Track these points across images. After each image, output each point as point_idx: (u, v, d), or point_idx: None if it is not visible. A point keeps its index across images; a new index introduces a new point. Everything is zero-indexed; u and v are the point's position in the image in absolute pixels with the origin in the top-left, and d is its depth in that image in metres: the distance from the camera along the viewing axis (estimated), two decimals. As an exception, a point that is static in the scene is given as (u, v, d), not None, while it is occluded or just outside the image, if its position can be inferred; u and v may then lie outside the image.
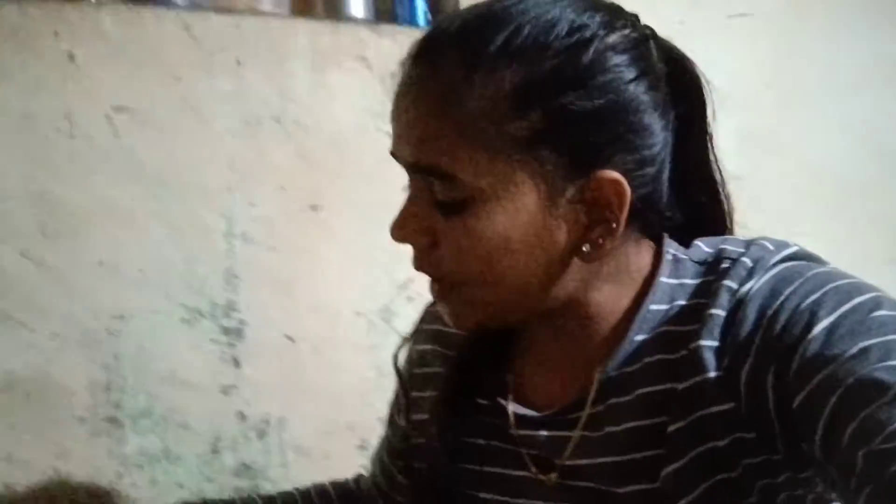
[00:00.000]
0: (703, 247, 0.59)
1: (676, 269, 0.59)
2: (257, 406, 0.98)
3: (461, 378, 0.65)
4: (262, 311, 0.98)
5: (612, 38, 0.53)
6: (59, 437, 0.89)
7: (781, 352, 0.49)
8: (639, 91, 0.54)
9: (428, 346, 0.70)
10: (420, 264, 0.56)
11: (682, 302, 0.57)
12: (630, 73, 0.53)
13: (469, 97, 0.51)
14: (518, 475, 0.61)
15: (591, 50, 0.52)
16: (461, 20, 0.53)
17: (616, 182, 0.53)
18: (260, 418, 0.98)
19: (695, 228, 0.61)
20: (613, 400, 0.57)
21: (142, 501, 0.92)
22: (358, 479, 0.84)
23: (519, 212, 0.53)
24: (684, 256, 0.59)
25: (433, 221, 0.54)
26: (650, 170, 0.55)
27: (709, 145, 0.61)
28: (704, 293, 0.55)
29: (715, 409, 0.52)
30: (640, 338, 0.57)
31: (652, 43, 0.56)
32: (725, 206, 0.63)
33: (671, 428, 0.53)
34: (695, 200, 0.61)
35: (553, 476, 0.59)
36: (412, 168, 0.54)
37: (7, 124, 0.88)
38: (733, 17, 1.29)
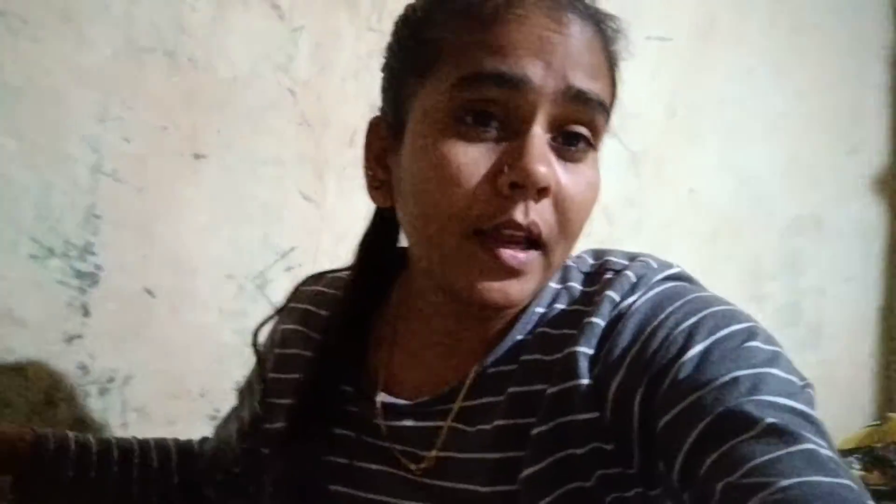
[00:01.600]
0: (588, 258, 0.61)
1: (562, 274, 0.59)
2: (102, 359, 0.89)
3: (327, 363, 0.62)
4: (122, 258, 0.90)
5: None
6: None
7: (653, 371, 0.49)
8: None
9: (295, 327, 0.67)
10: (532, 213, 0.51)
11: (563, 306, 0.57)
12: None
13: (616, 54, 0.55)
14: (382, 469, 0.59)
15: None
16: None
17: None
18: (103, 373, 0.90)
19: None
20: (487, 398, 0.56)
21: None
22: (202, 441, 0.80)
23: (596, 167, 0.55)
24: (572, 264, 0.60)
25: (555, 167, 0.51)
26: None
27: None
28: (586, 301, 0.56)
29: (580, 416, 0.52)
30: (519, 337, 0.57)
31: None
32: None
33: (535, 431, 0.52)
34: None
35: (420, 467, 0.57)
36: (574, 95, 0.50)
37: None
38: (651, 39, 1.32)
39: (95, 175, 0.88)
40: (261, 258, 0.98)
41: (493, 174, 0.50)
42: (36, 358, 0.86)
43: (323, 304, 0.68)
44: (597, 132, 0.53)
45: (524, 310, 0.57)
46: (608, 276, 0.56)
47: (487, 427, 0.55)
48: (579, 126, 0.52)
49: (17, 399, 0.85)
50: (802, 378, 0.49)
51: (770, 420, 0.42)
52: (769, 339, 0.50)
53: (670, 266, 0.58)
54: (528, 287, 0.53)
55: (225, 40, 0.95)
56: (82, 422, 0.89)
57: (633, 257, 0.58)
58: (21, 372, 0.85)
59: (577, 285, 0.58)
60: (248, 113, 0.96)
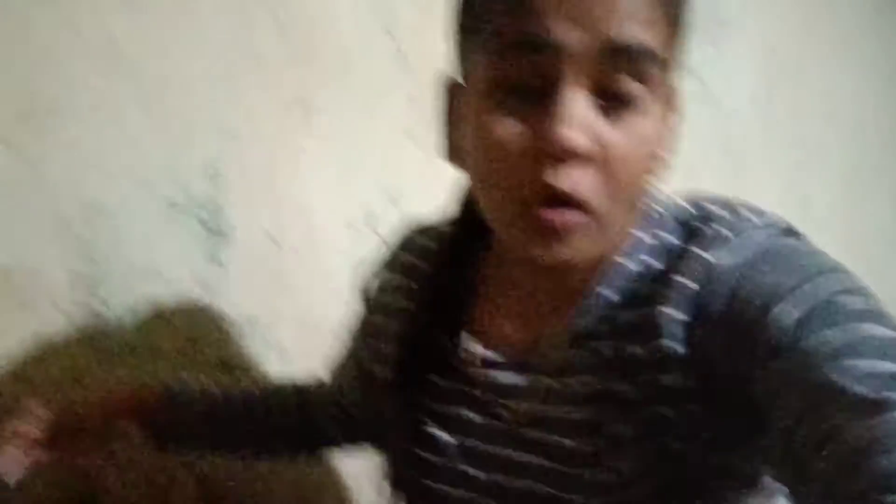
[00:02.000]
0: (684, 202, 0.58)
1: (651, 223, 0.57)
2: (238, 306, 0.97)
3: (426, 317, 0.64)
4: (247, 212, 0.96)
5: None
6: (42, 329, 0.88)
7: (746, 334, 0.48)
8: None
9: (399, 278, 0.69)
10: (569, 181, 0.49)
11: (654, 262, 0.55)
12: None
13: (678, 2, 0.52)
14: (477, 418, 0.61)
15: None
16: None
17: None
18: (240, 318, 0.97)
19: None
20: (574, 352, 0.56)
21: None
22: (321, 383, 0.85)
23: (660, 116, 0.53)
24: (663, 210, 0.57)
25: (599, 128, 0.49)
26: None
27: None
28: (676, 257, 0.53)
29: (669, 377, 0.51)
30: (606, 292, 0.56)
31: None
32: None
33: (621, 389, 0.53)
34: None
35: (512, 419, 0.58)
36: (615, 49, 0.48)
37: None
38: None
39: (216, 135, 0.93)
40: (374, 202, 1.01)
41: (532, 144, 0.49)
42: (179, 307, 0.94)
43: (426, 258, 0.69)
44: (651, 82, 0.50)
45: (609, 262, 0.56)
46: (701, 231, 0.54)
47: (575, 383, 0.56)
48: (626, 81, 0.49)
49: (165, 345, 0.94)
50: None
51: (859, 390, 0.40)
52: (862, 291, 0.47)
53: (772, 217, 0.55)
54: (581, 249, 0.52)
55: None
56: (225, 363, 0.97)
57: (732, 207, 0.55)
58: (168, 321, 0.94)
59: (668, 236, 0.56)
60: (351, 60, 0.97)
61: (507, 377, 0.60)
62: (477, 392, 0.61)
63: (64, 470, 0.89)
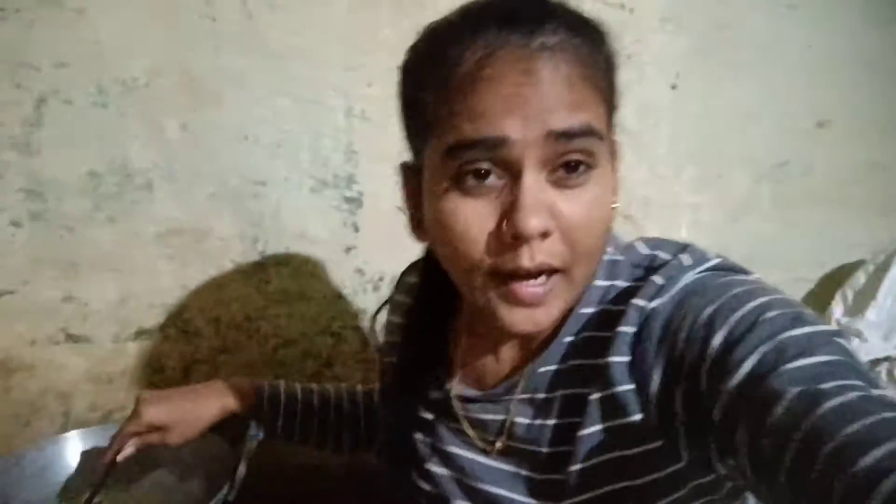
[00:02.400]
0: (642, 248, 0.60)
1: (610, 270, 0.60)
2: (373, 264, 1.13)
3: (409, 354, 0.70)
4: (378, 184, 1.10)
5: None
6: (220, 275, 1.12)
7: (686, 367, 0.51)
8: None
9: (392, 318, 0.77)
10: (540, 254, 0.53)
11: (608, 307, 0.58)
12: None
13: (600, 69, 0.54)
14: (463, 452, 0.66)
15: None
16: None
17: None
18: (375, 274, 1.14)
19: None
20: (539, 394, 0.61)
21: (282, 327, 1.15)
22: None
23: (609, 177, 0.56)
24: (620, 257, 0.60)
25: (552, 202, 0.52)
26: None
27: None
28: (623, 302, 0.57)
29: (626, 420, 0.54)
30: (567, 339, 0.60)
31: None
32: None
33: (581, 432, 0.56)
34: None
35: (492, 451, 0.64)
36: (554, 134, 0.51)
37: (156, 9, 1.03)
38: None
39: (349, 118, 1.07)
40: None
41: (498, 226, 0.53)
42: (326, 265, 1.13)
43: (411, 295, 0.75)
44: (592, 154, 0.53)
45: (570, 310, 0.59)
46: (643, 279, 0.57)
47: (541, 423, 0.60)
48: (572, 156, 0.52)
49: (316, 294, 1.14)
50: (831, 329, 0.47)
51: (794, 390, 0.43)
52: (788, 304, 0.49)
53: (706, 259, 0.57)
54: (555, 309, 0.55)
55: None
56: (364, 311, 1.15)
57: (677, 251, 0.58)
58: (316, 275, 1.13)
59: (622, 283, 0.59)
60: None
61: (484, 413, 0.64)
62: (461, 427, 0.66)
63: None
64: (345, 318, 1.15)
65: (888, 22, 1.16)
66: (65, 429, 1.15)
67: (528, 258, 0.52)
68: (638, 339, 0.54)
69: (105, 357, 1.14)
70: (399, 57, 0.59)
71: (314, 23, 1.05)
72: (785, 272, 1.16)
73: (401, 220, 1.10)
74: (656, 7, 1.07)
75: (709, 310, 0.51)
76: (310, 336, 1.15)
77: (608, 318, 0.57)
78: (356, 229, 1.12)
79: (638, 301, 0.55)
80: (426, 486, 0.69)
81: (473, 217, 0.53)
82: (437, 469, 0.68)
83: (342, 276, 1.14)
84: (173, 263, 1.11)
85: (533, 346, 0.62)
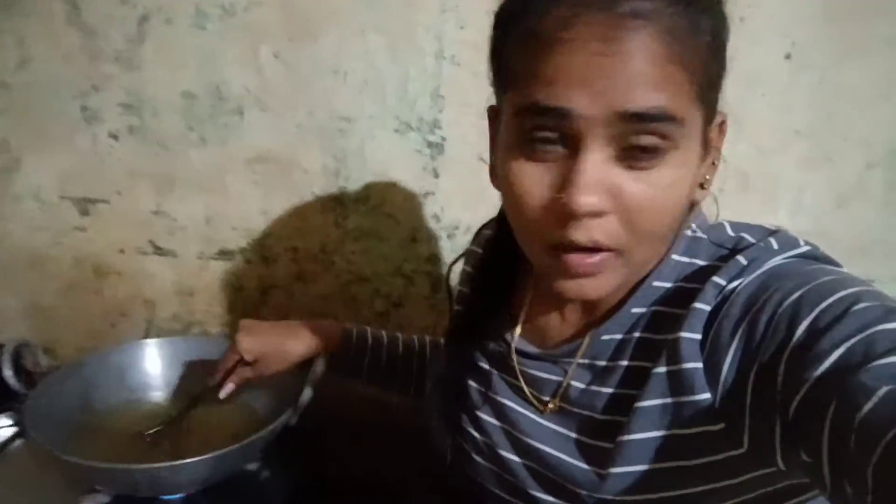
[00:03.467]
0: (728, 229, 0.58)
1: (690, 247, 0.58)
2: (450, 211, 1.12)
3: (474, 304, 0.71)
4: (462, 131, 1.08)
5: None
6: (301, 205, 1.14)
7: (765, 353, 0.49)
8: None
9: (466, 268, 0.78)
10: (595, 236, 0.52)
11: (683, 284, 0.57)
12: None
13: (693, 45, 0.50)
14: (514, 405, 0.66)
15: None
16: None
17: (725, 121, 0.56)
18: (450, 222, 1.13)
19: None
20: (600, 361, 0.60)
21: (356, 263, 1.17)
22: None
23: (691, 160, 0.53)
24: (703, 235, 0.58)
25: (615, 180, 0.51)
26: None
27: None
28: (700, 280, 0.55)
29: (689, 398, 0.53)
30: (636, 310, 0.59)
31: None
32: None
33: (638, 404, 0.55)
34: None
35: (543, 411, 0.64)
36: (622, 116, 0.49)
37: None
38: None
39: (439, 61, 1.05)
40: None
41: (556, 196, 0.51)
42: (403, 207, 1.13)
43: (483, 248, 0.75)
44: (671, 136, 0.50)
45: (642, 281, 0.58)
46: (725, 259, 0.54)
47: (598, 389, 0.59)
48: (644, 138, 0.49)
49: (391, 236, 1.14)
50: None
51: (885, 388, 0.40)
52: (878, 297, 0.46)
53: (797, 244, 0.54)
54: (607, 283, 0.54)
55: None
56: (436, 257, 1.15)
57: (765, 235, 0.55)
58: (393, 217, 1.13)
59: (699, 261, 0.57)
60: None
61: (540, 371, 0.64)
62: (516, 381, 0.66)
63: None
64: (417, 262, 1.15)
65: None
66: (147, 334, 1.23)
67: (580, 234, 0.51)
68: (713, 318, 0.53)
69: (189, 271, 1.19)
70: (495, 1, 0.57)
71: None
72: (892, 265, 1.08)
73: (482, 171, 1.08)
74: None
75: (795, 295, 0.48)
76: (382, 275, 1.16)
77: (683, 294, 0.56)
78: (436, 175, 1.10)
79: (718, 279, 0.54)
80: (474, 433, 0.70)
81: (533, 183, 0.53)
82: (487, 418, 0.68)
83: (418, 220, 1.13)
84: (258, 189, 1.13)
85: (599, 312, 0.61)
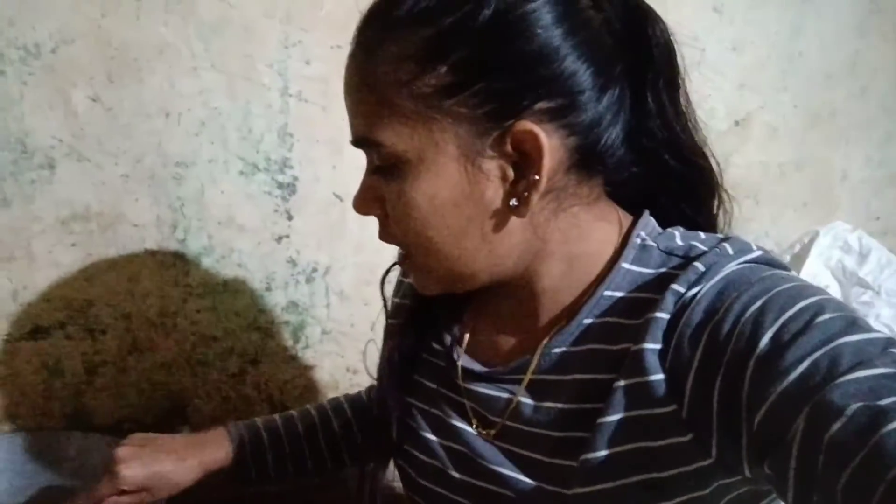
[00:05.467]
0: (677, 238, 0.58)
1: (640, 256, 0.58)
2: (306, 254, 1.06)
3: (417, 320, 0.69)
4: (314, 169, 1.03)
5: None
6: (132, 265, 1.00)
7: (728, 362, 0.48)
8: (554, 36, 0.52)
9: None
10: (381, 234, 0.60)
11: (636, 294, 0.56)
12: (544, 19, 0.51)
13: (381, 65, 0.53)
14: (459, 425, 0.63)
15: (500, 2, 0.51)
16: None
17: (531, 133, 0.52)
18: (308, 265, 1.06)
19: (673, 196, 0.61)
20: (553, 376, 0.58)
21: (203, 323, 1.05)
22: (369, 389, 0.89)
23: (442, 171, 0.53)
24: (652, 244, 0.58)
25: (383, 192, 0.57)
26: (579, 118, 0.53)
27: (678, 104, 0.59)
28: (653, 289, 0.55)
29: (654, 410, 0.52)
30: (587, 321, 0.57)
31: None
32: (702, 172, 0.60)
33: (602, 419, 0.53)
34: (668, 165, 0.59)
35: (492, 432, 0.61)
36: (355, 141, 0.57)
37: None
38: None
39: (284, 97, 0.99)
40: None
41: None
42: (255, 254, 1.04)
43: None
44: (387, 158, 0.54)
45: (592, 292, 0.57)
46: (680, 266, 0.54)
47: (552, 405, 0.57)
48: (380, 158, 0.56)
49: (242, 287, 1.05)
50: (884, 336, 0.46)
51: (854, 405, 0.41)
52: (839, 307, 0.47)
53: (750, 249, 0.55)
54: (420, 280, 0.62)
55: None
56: (294, 304, 1.07)
57: (718, 241, 0.56)
58: (243, 266, 1.04)
59: (649, 270, 0.57)
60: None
61: (486, 390, 0.62)
62: (462, 400, 0.64)
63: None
64: (274, 313, 1.07)
65: None
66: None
67: (379, 233, 0.60)
68: (673, 327, 0.52)
69: (-8, 358, 0.99)
70: (341, 36, 0.60)
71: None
72: None
73: (337, 208, 1.06)
74: None
75: (756, 304, 0.48)
76: (234, 332, 1.06)
77: (636, 303, 0.55)
78: (289, 217, 1.03)
79: (677, 287, 0.53)
80: (421, 456, 0.65)
81: None
82: (436, 439, 0.65)
83: (272, 266, 1.05)
84: (77, 252, 0.98)
85: (545, 325, 0.60)
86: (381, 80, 0.52)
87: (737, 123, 1.29)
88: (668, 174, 0.59)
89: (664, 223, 0.61)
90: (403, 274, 0.76)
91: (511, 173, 0.54)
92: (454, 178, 0.53)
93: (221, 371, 1.08)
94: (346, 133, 0.57)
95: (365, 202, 0.58)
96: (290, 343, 1.09)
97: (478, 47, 0.51)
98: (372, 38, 0.54)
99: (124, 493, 0.73)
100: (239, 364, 1.08)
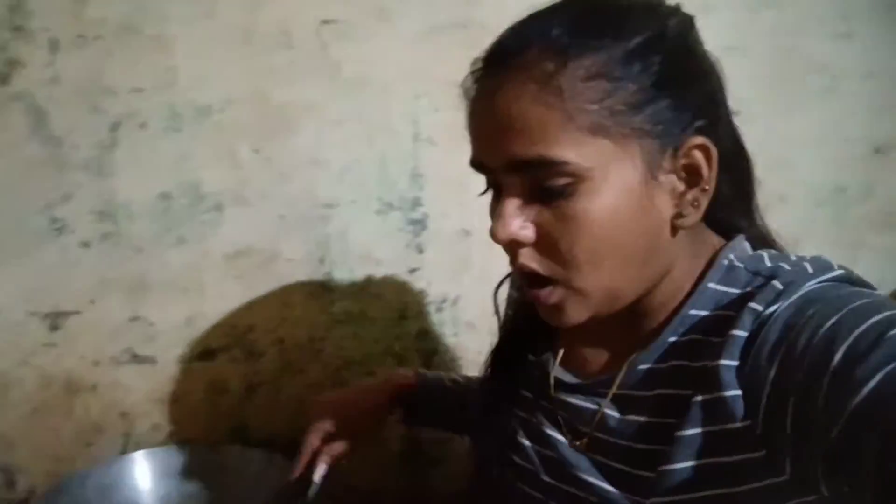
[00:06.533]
0: (766, 259, 0.60)
1: (727, 276, 0.60)
2: (437, 286, 1.15)
3: (515, 332, 0.73)
4: (442, 206, 1.12)
5: (680, 13, 0.58)
6: (286, 295, 1.13)
7: (803, 379, 0.49)
8: (708, 55, 0.58)
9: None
10: (526, 263, 0.58)
11: (720, 312, 0.58)
12: (701, 41, 0.58)
13: (567, 83, 0.53)
14: (552, 434, 0.66)
15: (673, 22, 0.56)
16: (540, 17, 0.57)
17: (703, 146, 0.56)
18: (438, 296, 1.15)
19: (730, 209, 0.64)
20: (637, 391, 0.61)
21: (346, 348, 1.16)
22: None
23: (624, 187, 0.55)
24: (739, 265, 0.60)
25: (535, 215, 0.57)
26: (718, 133, 0.58)
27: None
28: (735, 308, 0.56)
29: (730, 426, 0.53)
30: (672, 339, 0.60)
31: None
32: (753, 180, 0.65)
33: (680, 433, 0.55)
34: (741, 174, 0.64)
35: (582, 442, 0.64)
36: (513, 165, 0.55)
37: (233, 37, 1.06)
38: None
39: (416, 143, 1.10)
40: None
41: None
42: (390, 285, 1.14)
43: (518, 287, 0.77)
44: (565, 175, 0.54)
45: (678, 310, 0.60)
46: (761, 285, 0.56)
47: (635, 418, 0.60)
48: (542, 179, 0.55)
49: (379, 316, 1.15)
50: None
51: None
52: None
53: (831, 268, 0.56)
54: (575, 314, 0.59)
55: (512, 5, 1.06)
56: (426, 332, 1.16)
57: (798, 262, 0.57)
58: (380, 297, 1.14)
59: (734, 290, 0.58)
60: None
61: (577, 401, 0.65)
62: (555, 411, 0.67)
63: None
64: (407, 340, 1.16)
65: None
66: (125, 450, 1.16)
67: (516, 263, 0.58)
68: (750, 344, 0.53)
69: (168, 378, 1.15)
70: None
71: (383, 52, 1.08)
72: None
73: (465, 242, 1.14)
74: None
75: (831, 321, 0.49)
76: (373, 357, 1.16)
77: (720, 321, 0.57)
78: (420, 251, 1.13)
79: (755, 305, 0.54)
80: (517, 459, 0.69)
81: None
82: (531, 446, 0.68)
83: (405, 297, 1.15)
84: (240, 284, 1.12)
85: (636, 341, 0.62)
86: (566, 99, 0.53)
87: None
88: (738, 182, 0.63)
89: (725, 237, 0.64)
90: (516, 287, 0.80)
91: (681, 186, 0.57)
92: (636, 193, 0.55)
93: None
94: (472, 171, 0.61)
95: (515, 229, 0.57)
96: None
97: (665, 64, 0.54)
98: (547, 60, 0.54)
99: (332, 439, 0.85)
100: (377, 387, 1.17)
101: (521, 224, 0.57)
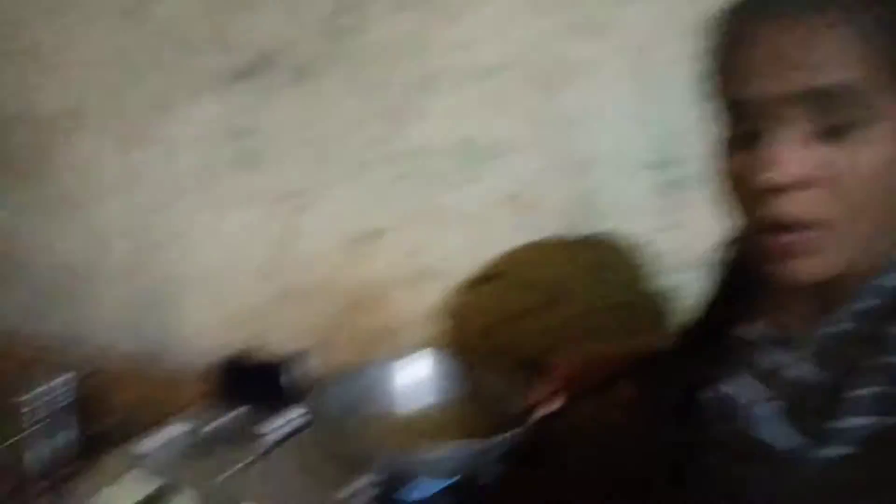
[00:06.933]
0: None
1: None
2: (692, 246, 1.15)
3: (719, 296, 0.74)
4: (701, 167, 1.11)
5: None
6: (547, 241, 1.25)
7: None
8: None
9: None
10: (797, 208, 0.54)
11: None
12: None
13: (868, 23, 0.52)
14: (741, 390, 0.67)
15: None
16: None
17: None
18: (691, 256, 1.15)
19: None
20: (828, 352, 0.61)
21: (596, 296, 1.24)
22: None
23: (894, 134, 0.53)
24: None
25: (817, 154, 0.54)
26: None
27: None
28: None
29: None
30: (866, 302, 0.59)
31: None
32: None
33: (857, 392, 0.56)
34: None
35: (775, 393, 0.64)
36: (807, 94, 0.52)
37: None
38: None
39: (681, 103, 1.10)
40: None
41: (754, 182, 0.55)
42: (622, 243, 1.20)
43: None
44: (862, 109, 0.51)
45: (874, 275, 0.58)
46: None
47: (824, 378, 0.60)
48: (837, 115, 0.52)
49: (629, 271, 1.21)
50: None
51: None
52: None
53: None
54: (818, 263, 0.56)
55: None
56: (674, 289, 1.19)
57: None
58: (618, 251, 1.21)
59: None
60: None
61: (771, 356, 0.66)
62: (745, 365, 0.68)
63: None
64: (656, 297, 1.21)
65: None
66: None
67: (778, 208, 0.54)
68: None
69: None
70: None
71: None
72: None
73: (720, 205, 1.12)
74: None
75: None
76: (621, 307, 1.23)
77: None
78: (675, 210, 1.17)
79: None
80: (708, 407, 0.70)
81: (739, 169, 0.57)
82: (722, 394, 0.69)
83: (657, 255, 1.20)
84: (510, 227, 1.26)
85: (832, 304, 0.61)
86: (868, 35, 0.52)
87: None
88: None
89: None
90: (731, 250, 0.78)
91: None
92: None
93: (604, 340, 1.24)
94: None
95: (797, 170, 0.53)
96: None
97: None
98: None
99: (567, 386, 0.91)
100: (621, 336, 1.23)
101: (801, 163, 0.53)
